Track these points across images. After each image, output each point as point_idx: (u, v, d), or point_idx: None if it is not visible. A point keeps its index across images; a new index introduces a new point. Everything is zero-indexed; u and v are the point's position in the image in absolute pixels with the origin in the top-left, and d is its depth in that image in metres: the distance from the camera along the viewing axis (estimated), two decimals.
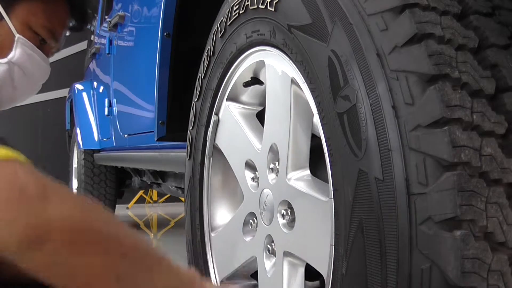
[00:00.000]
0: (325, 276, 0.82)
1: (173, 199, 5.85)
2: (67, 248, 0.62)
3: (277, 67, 0.99)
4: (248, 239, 1.13)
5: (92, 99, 3.92)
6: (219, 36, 1.20)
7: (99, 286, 0.70)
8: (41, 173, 0.65)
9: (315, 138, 0.92)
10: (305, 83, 0.85)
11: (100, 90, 3.67)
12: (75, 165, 4.17)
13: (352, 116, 0.72)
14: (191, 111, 1.38)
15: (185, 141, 1.43)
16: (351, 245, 0.71)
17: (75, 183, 4.17)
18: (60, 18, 1.07)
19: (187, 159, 1.40)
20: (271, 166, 1.03)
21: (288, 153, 0.95)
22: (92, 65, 4.06)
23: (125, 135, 2.82)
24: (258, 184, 1.09)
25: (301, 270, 0.96)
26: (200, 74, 1.32)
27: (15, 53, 0.99)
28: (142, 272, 0.74)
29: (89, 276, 0.67)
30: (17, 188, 0.59)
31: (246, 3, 1.06)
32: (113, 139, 3.18)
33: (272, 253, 1.02)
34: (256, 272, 1.10)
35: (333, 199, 0.77)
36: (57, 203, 0.62)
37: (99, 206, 0.70)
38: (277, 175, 1.01)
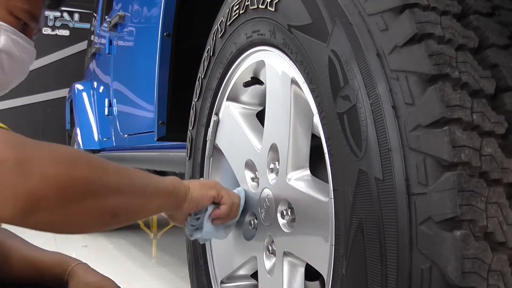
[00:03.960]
0: (325, 276, 0.82)
1: None
2: (59, 205, 0.67)
3: (277, 67, 0.99)
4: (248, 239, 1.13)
5: (92, 99, 3.92)
6: (219, 36, 1.20)
7: (99, 226, 0.78)
8: (17, 135, 0.67)
9: (315, 138, 0.92)
10: (305, 83, 0.85)
11: (100, 90, 3.67)
12: None
13: (352, 116, 0.72)
14: (191, 111, 1.38)
15: (185, 141, 1.43)
16: (351, 245, 0.71)
17: None
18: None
19: (187, 159, 1.40)
20: (271, 166, 1.03)
21: (288, 153, 0.95)
22: (92, 65, 4.06)
23: (125, 135, 2.82)
24: (258, 184, 1.09)
25: (301, 270, 0.96)
26: (200, 74, 1.32)
27: (0, 41, 0.99)
28: (133, 201, 0.82)
29: (87, 221, 0.74)
30: None
31: (246, 3, 1.06)
32: (113, 139, 3.18)
33: (272, 253, 1.02)
34: (256, 272, 1.10)
35: (333, 199, 0.77)
36: (37, 166, 0.65)
37: (78, 151, 0.74)
38: (277, 175, 1.01)
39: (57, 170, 0.67)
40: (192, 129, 1.37)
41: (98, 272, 1.12)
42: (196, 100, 1.34)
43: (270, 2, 0.96)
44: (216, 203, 1.04)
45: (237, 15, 1.11)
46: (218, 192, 1.03)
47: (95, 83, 3.88)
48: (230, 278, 1.22)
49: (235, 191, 1.11)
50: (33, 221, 0.66)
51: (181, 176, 2.49)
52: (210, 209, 1.03)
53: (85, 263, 1.14)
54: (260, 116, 1.18)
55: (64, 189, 0.67)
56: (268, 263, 1.03)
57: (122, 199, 0.78)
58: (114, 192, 0.76)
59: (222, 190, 1.04)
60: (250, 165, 1.12)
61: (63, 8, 6.31)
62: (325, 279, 0.82)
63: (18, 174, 0.63)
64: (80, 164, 0.71)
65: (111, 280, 1.11)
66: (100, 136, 3.64)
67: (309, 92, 0.84)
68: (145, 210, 0.86)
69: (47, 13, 6.24)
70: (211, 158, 1.28)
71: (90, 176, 0.72)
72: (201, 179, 1.19)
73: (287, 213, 0.97)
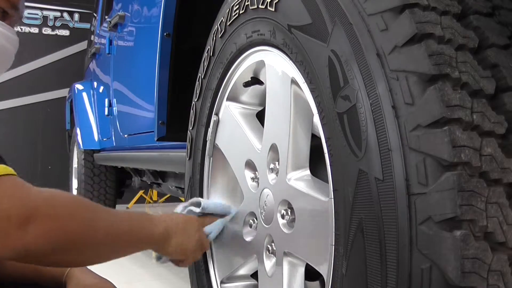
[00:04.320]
0: (325, 276, 0.82)
1: (173, 199, 5.85)
2: (46, 256, 0.80)
3: (277, 67, 0.99)
4: (248, 239, 1.13)
5: (92, 99, 3.92)
6: (219, 36, 1.20)
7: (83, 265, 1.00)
8: (22, 186, 0.80)
9: (315, 138, 0.92)
10: (305, 83, 0.85)
11: (100, 90, 3.67)
12: (75, 165, 4.17)
13: (352, 116, 0.71)
14: (191, 111, 1.38)
15: (185, 141, 1.43)
16: (351, 245, 0.71)
17: (75, 183, 4.17)
18: None
19: (187, 159, 1.40)
20: (271, 166, 1.03)
21: (288, 153, 0.95)
22: (92, 65, 4.06)
23: (125, 135, 2.82)
24: (258, 184, 1.09)
25: (301, 270, 0.96)
26: (200, 74, 1.32)
27: None
28: (115, 255, 0.95)
29: (70, 265, 0.97)
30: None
31: (246, 3, 1.06)
32: (113, 139, 3.18)
33: (272, 253, 1.02)
34: (256, 272, 1.10)
35: (333, 199, 0.77)
36: (36, 226, 0.77)
37: (76, 208, 0.86)
38: (277, 175, 1.01)
39: (53, 226, 0.78)
40: (192, 129, 1.37)
41: (97, 274, 1.12)
42: (196, 100, 1.34)
43: (270, 2, 0.96)
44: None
45: (237, 15, 1.11)
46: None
47: (95, 83, 3.88)
48: (230, 278, 1.22)
49: (207, 229, 1.16)
50: (24, 262, 0.84)
51: (181, 176, 2.48)
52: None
53: None
54: (260, 116, 1.18)
55: (55, 245, 0.79)
56: (268, 263, 1.03)
57: (105, 253, 0.92)
58: (98, 249, 0.89)
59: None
60: (250, 165, 1.12)
61: (63, 8, 6.31)
62: (325, 279, 0.82)
63: (20, 230, 0.75)
64: (75, 222, 0.82)
65: (110, 282, 1.11)
66: (100, 136, 3.64)
67: (309, 92, 0.84)
68: (124, 255, 0.98)
69: (47, 13, 6.23)
70: (211, 158, 1.28)
71: (81, 236, 0.83)
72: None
73: (287, 213, 0.96)
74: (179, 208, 1.19)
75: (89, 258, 0.89)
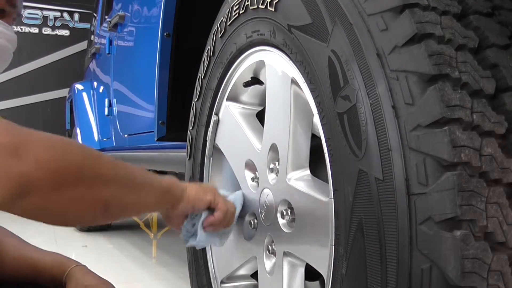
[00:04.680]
0: (325, 276, 0.82)
1: None
2: (52, 190, 0.67)
3: (277, 67, 0.99)
4: (248, 239, 1.13)
5: (92, 99, 3.92)
6: (219, 36, 1.20)
7: (90, 217, 0.78)
8: (14, 124, 0.68)
9: (315, 138, 0.92)
10: (305, 83, 0.85)
11: (100, 90, 3.67)
12: None
13: (352, 116, 0.72)
14: (191, 111, 1.38)
15: (185, 141, 1.43)
16: (351, 245, 0.71)
17: None
18: None
19: (187, 159, 1.40)
20: (271, 166, 1.03)
21: (288, 153, 0.95)
22: (92, 65, 4.06)
23: (125, 135, 2.82)
24: (258, 184, 1.09)
25: (301, 270, 0.96)
26: (200, 74, 1.32)
27: None
28: (127, 194, 0.80)
29: (79, 210, 0.73)
30: None
31: (246, 3, 1.06)
32: (113, 139, 3.18)
33: (272, 253, 1.02)
34: (256, 272, 1.10)
35: (333, 199, 0.77)
36: (32, 150, 0.65)
37: (73, 140, 0.73)
38: (277, 175, 1.01)
39: (51, 154, 0.67)
40: (192, 129, 1.37)
41: (97, 275, 1.12)
42: (196, 100, 1.34)
43: (270, 2, 0.96)
44: (211, 209, 1.02)
45: (237, 15, 1.11)
46: (214, 198, 1.01)
47: (95, 83, 3.88)
48: (230, 278, 1.22)
49: (231, 197, 1.10)
50: (24, 205, 0.65)
51: (181, 176, 2.48)
52: (204, 215, 1.02)
53: (84, 265, 1.13)
54: (260, 116, 1.18)
55: (57, 173, 0.67)
56: (268, 263, 1.03)
57: (116, 190, 0.77)
58: (107, 182, 0.75)
59: (219, 197, 1.02)
60: (250, 165, 1.12)
61: (63, 8, 6.31)
62: (325, 279, 0.82)
63: (12, 157, 0.63)
64: (75, 151, 0.71)
65: (110, 283, 1.11)
66: (100, 136, 3.64)
67: (309, 92, 0.84)
68: (139, 205, 0.85)
69: (47, 13, 6.24)
70: (211, 158, 1.28)
71: (85, 163, 0.71)
72: (200, 183, 1.17)
73: (287, 213, 0.96)
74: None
75: (102, 196, 0.75)
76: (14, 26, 1.06)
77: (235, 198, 1.11)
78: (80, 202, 0.71)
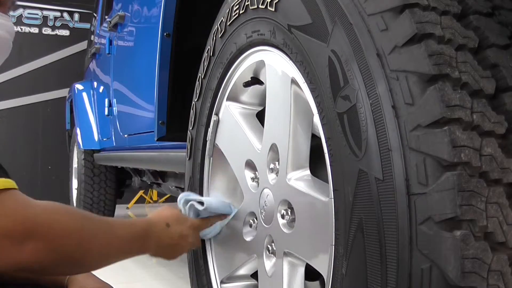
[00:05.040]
0: (325, 276, 0.82)
1: (173, 199, 5.85)
2: (39, 272, 0.87)
3: (277, 67, 0.99)
4: (248, 239, 1.13)
5: (92, 99, 3.92)
6: (219, 36, 1.20)
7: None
8: (22, 201, 0.81)
9: (315, 138, 0.92)
10: (305, 83, 0.85)
11: (100, 90, 3.67)
12: (75, 165, 4.17)
13: (352, 116, 0.72)
14: (191, 111, 1.38)
15: (185, 141, 1.43)
16: (351, 245, 0.71)
17: (75, 183, 4.17)
18: None
19: (187, 159, 1.40)
20: (271, 166, 1.03)
21: (288, 153, 0.95)
22: (92, 65, 4.06)
23: (125, 135, 2.82)
24: (258, 184, 1.09)
25: (301, 270, 0.96)
26: (200, 74, 1.32)
27: None
28: (107, 261, 0.95)
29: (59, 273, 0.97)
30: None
31: (246, 3, 1.06)
32: (113, 139, 3.18)
33: (272, 253, 1.02)
34: (256, 272, 1.10)
35: (333, 199, 0.77)
36: (33, 246, 0.78)
37: (74, 230, 0.87)
38: (277, 175, 1.01)
39: (47, 251, 0.79)
40: (192, 129, 1.37)
41: (99, 278, 1.12)
42: (196, 100, 1.34)
43: (270, 2, 0.96)
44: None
45: (237, 15, 1.11)
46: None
47: (95, 83, 3.88)
48: (230, 278, 1.22)
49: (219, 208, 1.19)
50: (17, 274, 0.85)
51: (181, 176, 2.47)
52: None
53: None
54: (260, 116, 1.18)
55: (49, 265, 0.81)
56: (268, 263, 1.03)
57: (100, 265, 0.93)
58: (92, 265, 0.92)
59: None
60: (250, 165, 1.12)
61: (63, 8, 6.31)
62: (325, 279, 0.82)
63: (17, 247, 0.76)
64: (70, 245, 0.83)
65: (111, 286, 1.11)
66: (100, 136, 3.64)
67: (309, 92, 0.84)
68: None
69: (47, 13, 6.23)
70: (211, 158, 1.28)
71: (75, 256, 0.85)
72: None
73: (287, 213, 0.96)
74: (181, 200, 1.19)
75: (83, 271, 0.94)
76: (10, 14, 1.05)
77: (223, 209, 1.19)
78: (65, 274, 0.94)
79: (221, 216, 1.19)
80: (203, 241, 1.26)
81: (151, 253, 1.07)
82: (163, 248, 1.08)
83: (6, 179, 0.81)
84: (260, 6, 1.00)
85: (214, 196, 1.28)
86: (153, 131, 1.86)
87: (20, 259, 0.77)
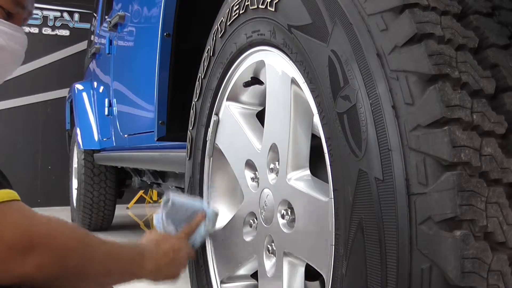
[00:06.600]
0: (325, 276, 0.82)
1: None
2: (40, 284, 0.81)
3: (277, 67, 0.99)
4: (248, 239, 1.13)
5: (92, 99, 3.92)
6: (219, 36, 1.20)
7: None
8: (27, 214, 0.81)
9: (315, 138, 0.92)
10: (305, 83, 0.85)
11: (100, 90, 3.67)
12: (75, 165, 4.17)
13: (352, 116, 0.72)
14: (191, 111, 1.38)
15: (185, 141, 1.43)
16: (351, 245, 0.71)
17: (75, 183, 4.17)
18: None
19: (187, 159, 1.40)
20: (271, 166, 1.03)
21: (288, 153, 0.95)
22: (92, 65, 4.06)
23: (125, 135, 2.82)
24: (258, 184, 1.09)
25: (301, 270, 0.96)
26: (200, 74, 1.32)
27: None
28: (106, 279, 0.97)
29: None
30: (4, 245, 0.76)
31: (246, 3, 1.06)
32: (113, 139, 3.18)
33: (272, 253, 1.02)
34: (256, 272, 1.10)
35: (333, 199, 0.77)
36: (34, 259, 0.78)
37: (78, 240, 0.88)
38: (277, 175, 1.01)
39: (48, 265, 0.80)
40: (192, 129, 1.37)
41: None
42: (196, 100, 1.34)
43: (270, 2, 0.96)
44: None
45: (237, 15, 1.11)
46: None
47: (95, 83, 3.88)
48: (230, 278, 1.22)
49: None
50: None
51: (181, 176, 2.47)
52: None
53: None
54: (260, 116, 1.18)
55: (48, 278, 0.81)
56: (268, 263, 1.03)
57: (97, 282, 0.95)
58: (90, 282, 0.92)
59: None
60: (250, 165, 1.12)
61: (63, 8, 6.31)
62: (325, 279, 0.82)
63: (18, 260, 0.77)
64: (70, 260, 0.84)
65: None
66: (100, 136, 3.64)
67: (309, 92, 0.84)
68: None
69: (47, 13, 6.23)
70: (211, 158, 1.28)
71: (73, 272, 0.85)
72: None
73: (287, 213, 0.96)
74: (157, 220, 1.22)
75: (86, 285, 0.93)
76: (25, 27, 1.06)
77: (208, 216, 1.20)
78: None
79: (198, 215, 1.19)
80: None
81: (152, 278, 1.06)
82: (162, 268, 1.08)
83: (9, 190, 0.81)
84: (260, 6, 1.00)
85: (212, 199, 1.29)
86: (153, 131, 1.86)
87: (24, 270, 0.77)
